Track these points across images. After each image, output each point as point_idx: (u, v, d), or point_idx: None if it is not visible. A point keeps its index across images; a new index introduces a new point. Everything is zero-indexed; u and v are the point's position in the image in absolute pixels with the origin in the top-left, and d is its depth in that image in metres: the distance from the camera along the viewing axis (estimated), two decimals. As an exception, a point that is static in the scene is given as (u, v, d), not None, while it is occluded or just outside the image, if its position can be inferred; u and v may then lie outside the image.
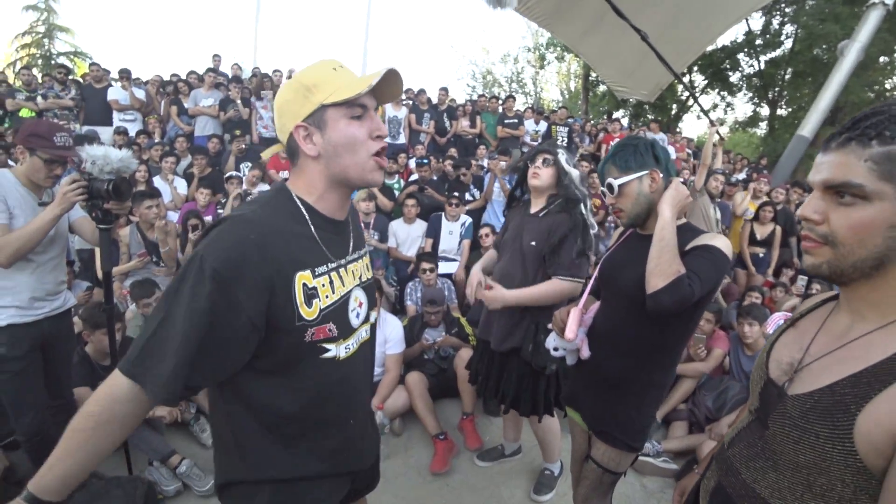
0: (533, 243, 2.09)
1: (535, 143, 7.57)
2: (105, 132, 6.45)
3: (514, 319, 2.15)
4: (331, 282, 1.02)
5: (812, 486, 0.74)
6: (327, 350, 1.01)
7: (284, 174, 5.93)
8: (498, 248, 2.38)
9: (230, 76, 7.94)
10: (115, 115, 6.81)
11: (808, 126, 7.76)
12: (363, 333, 1.13)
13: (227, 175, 5.22)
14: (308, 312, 0.96)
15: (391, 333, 3.13)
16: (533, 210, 2.18)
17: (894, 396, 0.65)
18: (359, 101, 0.97)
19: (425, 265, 3.97)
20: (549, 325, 1.69)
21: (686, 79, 15.87)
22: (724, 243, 1.38)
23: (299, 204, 1.01)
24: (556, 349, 1.66)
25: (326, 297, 1.00)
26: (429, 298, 3.37)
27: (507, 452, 2.83)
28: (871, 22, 7.09)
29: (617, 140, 1.58)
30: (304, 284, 0.96)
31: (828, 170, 0.74)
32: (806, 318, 0.92)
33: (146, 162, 5.42)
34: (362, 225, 4.34)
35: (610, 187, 1.50)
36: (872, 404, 0.67)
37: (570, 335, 1.53)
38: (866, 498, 0.68)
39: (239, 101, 6.75)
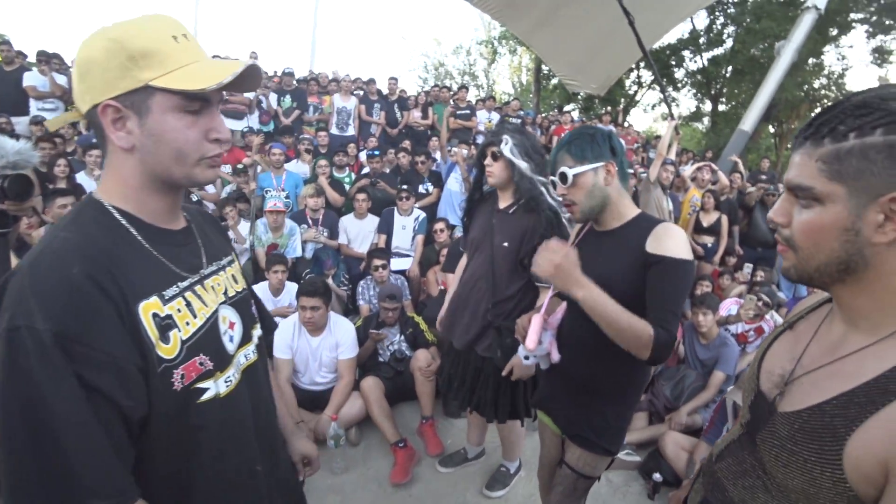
0: (506, 244, 1.98)
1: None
2: (21, 122, 5.83)
3: (479, 322, 2.05)
4: (188, 304, 0.80)
5: None
6: (205, 390, 0.80)
7: (226, 168, 5.56)
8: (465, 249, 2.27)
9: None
10: (33, 104, 6.18)
11: (748, 121, 8.09)
12: (242, 359, 0.91)
13: None
14: (166, 350, 0.74)
15: (343, 337, 2.94)
16: (502, 205, 2.05)
17: (885, 420, 0.60)
18: (200, 95, 0.75)
19: (377, 262, 3.81)
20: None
21: (633, 74, 16.37)
22: (683, 245, 1.30)
23: (117, 215, 0.77)
24: (526, 357, 1.60)
25: (187, 324, 0.79)
26: (387, 294, 3.21)
27: (471, 456, 2.73)
28: (804, 24, 7.45)
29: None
30: (155, 315, 0.74)
31: (791, 171, 0.69)
32: (802, 322, 0.84)
33: (69, 155, 4.92)
34: (267, 224, 4.02)
35: (563, 177, 1.38)
36: (863, 429, 0.61)
37: (530, 345, 1.47)
38: None
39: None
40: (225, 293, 0.91)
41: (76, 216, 0.77)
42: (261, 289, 3.70)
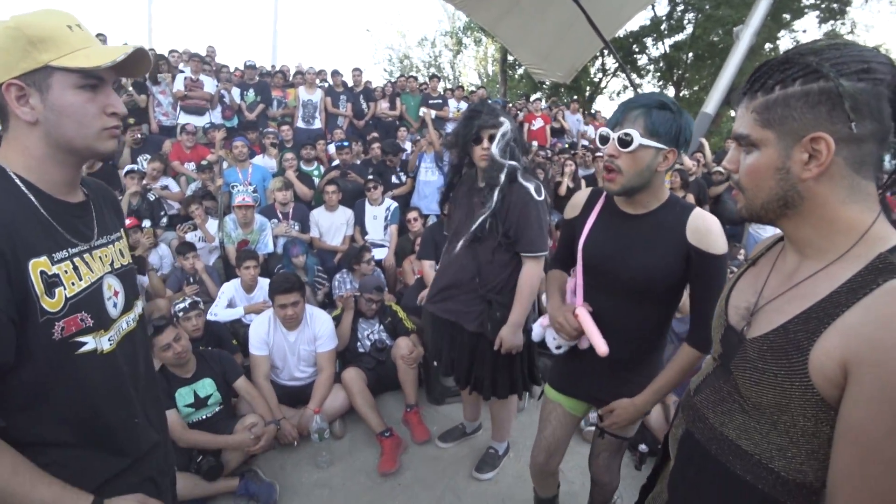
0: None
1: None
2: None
3: (475, 299, 2.03)
4: (75, 268, 0.91)
5: (777, 424, 0.77)
6: (83, 343, 0.90)
7: (190, 165, 5.37)
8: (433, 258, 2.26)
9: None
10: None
11: (711, 104, 8.24)
12: (124, 324, 1.03)
13: (127, 170, 4.58)
14: (51, 304, 0.85)
15: (321, 329, 2.87)
16: (482, 184, 2.00)
17: (840, 327, 0.68)
18: (95, 73, 0.87)
19: (367, 255, 3.83)
20: (542, 324, 1.59)
21: (598, 62, 16.57)
22: (721, 237, 1.28)
23: (18, 181, 0.87)
24: (558, 347, 1.55)
25: (73, 284, 0.89)
26: (375, 285, 3.16)
27: (469, 431, 2.75)
28: (761, 9, 7.65)
29: (630, 98, 1.31)
30: (43, 272, 0.84)
31: (735, 123, 0.80)
32: (763, 259, 0.93)
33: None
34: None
35: (625, 141, 1.23)
36: (822, 338, 0.69)
37: (603, 349, 1.36)
38: (827, 428, 0.71)
39: (130, 87, 5.99)
40: (111, 264, 1.01)
41: None
42: (233, 286, 3.58)
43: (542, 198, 1.93)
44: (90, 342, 0.91)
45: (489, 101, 8.08)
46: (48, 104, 0.85)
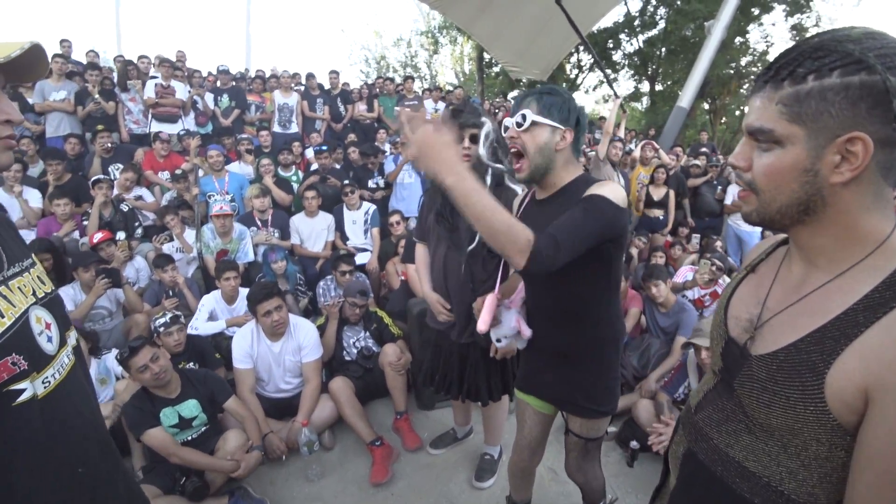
0: (468, 225, 1.91)
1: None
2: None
3: (467, 310, 1.99)
4: None
5: (787, 447, 0.72)
6: (21, 391, 0.77)
7: (164, 174, 5.23)
8: (421, 238, 2.19)
9: (85, 64, 6.82)
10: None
11: (685, 98, 8.42)
12: (65, 360, 0.89)
13: (94, 179, 4.43)
14: None
15: (305, 339, 2.81)
16: None
17: (860, 349, 0.63)
18: None
19: (344, 267, 3.69)
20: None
21: (573, 58, 16.71)
22: (610, 190, 1.27)
23: None
24: (498, 340, 1.58)
25: None
26: (358, 289, 3.10)
27: (460, 436, 2.73)
28: (731, 4, 7.80)
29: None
30: None
31: (750, 115, 0.70)
32: (763, 265, 0.87)
33: (-19, 171, 4.45)
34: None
35: (523, 118, 1.35)
36: (840, 360, 0.64)
37: (481, 327, 1.47)
38: (842, 453, 0.66)
39: (97, 94, 5.80)
40: (34, 294, 0.88)
41: None
42: (213, 298, 3.49)
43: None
44: (28, 388, 0.78)
45: (471, 101, 8.08)
46: None
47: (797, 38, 15.12)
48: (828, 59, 0.62)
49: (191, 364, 2.87)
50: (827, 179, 0.64)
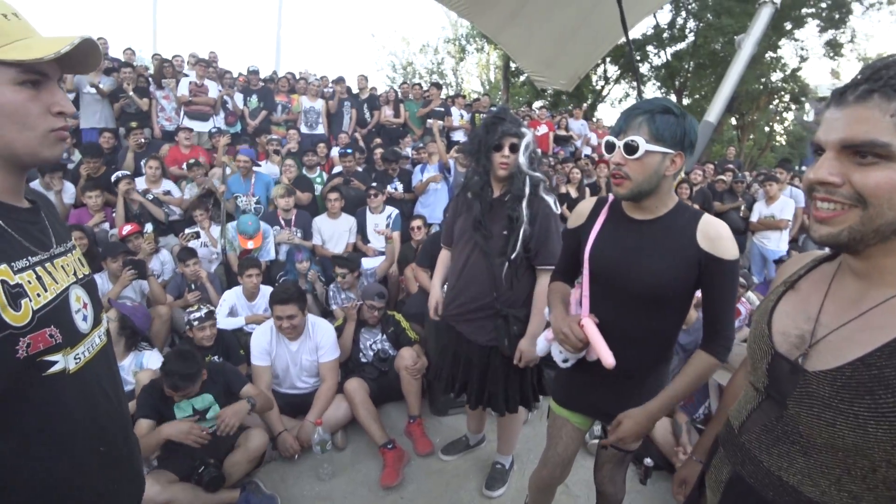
0: (505, 232, 1.92)
1: (465, 130, 7.45)
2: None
3: (488, 314, 2.00)
4: (38, 278, 0.81)
5: (851, 469, 0.69)
6: (53, 363, 0.80)
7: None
8: (447, 243, 2.21)
9: (122, 62, 7.04)
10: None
11: (713, 112, 8.22)
12: (97, 339, 0.93)
13: (115, 177, 4.48)
14: (16, 317, 0.74)
15: (322, 339, 2.84)
16: (495, 194, 1.98)
17: None
18: (37, 67, 0.76)
19: (338, 270, 3.72)
20: (547, 337, 1.56)
21: (600, 70, 16.63)
22: (732, 242, 1.28)
23: None
24: (565, 360, 1.51)
25: (38, 295, 0.79)
26: (376, 292, 3.11)
27: (472, 443, 2.72)
28: (762, 18, 7.67)
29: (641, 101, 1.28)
30: (4, 282, 0.74)
31: (845, 127, 0.66)
32: (803, 282, 0.85)
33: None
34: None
35: (631, 148, 1.22)
36: None
37: (609, 361, 1.29)
38: None
39: (131, 92, 5.96)
40: (75, 274, 0.92)
41: None
42: (235, 294, 3.56)
43: (559, 211, 1.96)
44: (60, 361, 0.81)
45: (492, 108, 8.10)
46: None
47: (831, 55, 14.78)
48: None
49: (216, 358, 2.93)
50: None
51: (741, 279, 3.74)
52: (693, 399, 2.83)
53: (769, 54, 14.30)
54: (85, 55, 0.81)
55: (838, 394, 0.69)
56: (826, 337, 0.74)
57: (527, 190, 1.87)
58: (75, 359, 0.85)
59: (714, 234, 1.27)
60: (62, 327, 0.82)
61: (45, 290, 0.81)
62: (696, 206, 4.82)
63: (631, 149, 1.22)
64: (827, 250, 0.83)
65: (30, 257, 0.82)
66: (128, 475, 1.01)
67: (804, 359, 0.75)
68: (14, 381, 0.75)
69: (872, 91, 0.64)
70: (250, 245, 4.15)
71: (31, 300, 0.77)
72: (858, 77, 0.67)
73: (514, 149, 1.87)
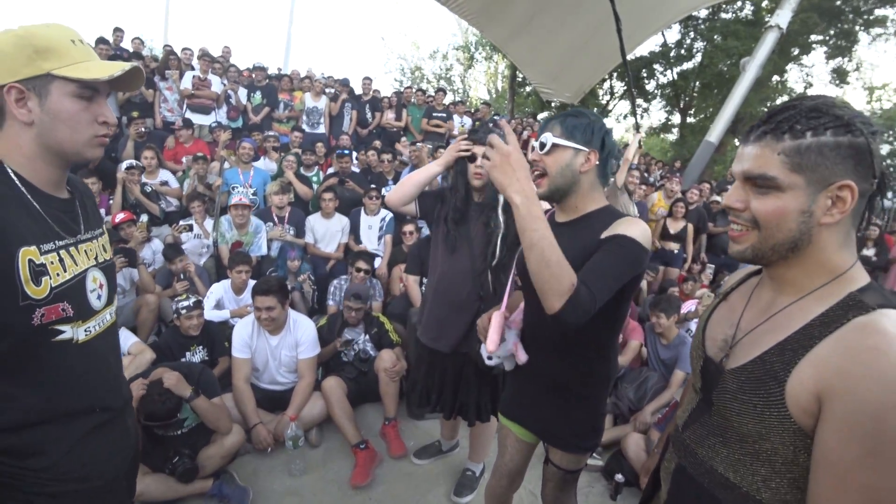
0: (484, 239, 1.95)
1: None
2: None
3: (468, 320, 2.01)
4: (60, 260, 0.97)
5: (758, 454, 0.79)
6: (61, 332, 0.96)
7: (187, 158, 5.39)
8: (412, 272, 2.23)
9: (130, 52, 7.11)
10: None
11: (715, 133, 8.35)
12: (107, 317, 1.10)
13: (126, 165, 4.51)
14: (36, 291, 0.91)
15: (303, 336, 2.86)
16: (476, 199, 2.01)
17: (813, 359, 0.72)
18: (92, 85, 0.96)
19: (361, 265, 3.73)
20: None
21: (606, 84, 16.71)
22: (639, 231, 1.24)
23: (12, 175, 0.94)
24: (489, 358, 1.53)
25: (58, 274, 0.95)
26: (353, 293, 3.13)
27: (445, 449, 2.73)
28: (767, 42, 7.75)
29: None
30: (31, 261, 0.90)
31: (747, 161, 0.79)
32: (735, 293, 0.98)
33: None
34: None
35: (542, 143, 1.34)
36: (797, 369, 0.73)
37: (490, 346, 1.43)
38: (805, 456, 0.74)
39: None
40: (96, 258, 1.08)
41: None
42: (222, 287, 3.58)
43: None
44: (67, 331, 0.97)
45: (496, 117, 8.13)
46: (45, 109, 0.93)
47: (837, 82, 14.85)
48: (822, 119, 0.73)
49: (200, 348, 2.96)
50: (818, 220, 0.75)
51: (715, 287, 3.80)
52: (667, 416, 2.84)
53: (775, 78, 14.37)
54: (131, 78, 1.00)
55: (742, 387, 0.80)
56: (741, 339, 0.86)
57: (500, 198, 1.89)
58: (85, 331, 1.01)
59: (622, 223, 1.26)
60: (74, 303, 0.98)
61: (65, 271, 0.97)
62: (691, 226, 4.86)
63: (542, 145, 1.34)
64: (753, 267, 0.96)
65: (57, 241, 0.97)
66: (124, 441, 1.16)
67: (726, 359, 0.87)
68: (27, 342, 0.91)
69: (766, 132, 0.77)
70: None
71: (50, 278, 0.93)
72: (761, 119, 0.79)
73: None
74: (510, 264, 1.94)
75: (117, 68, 0.96)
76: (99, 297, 1.06)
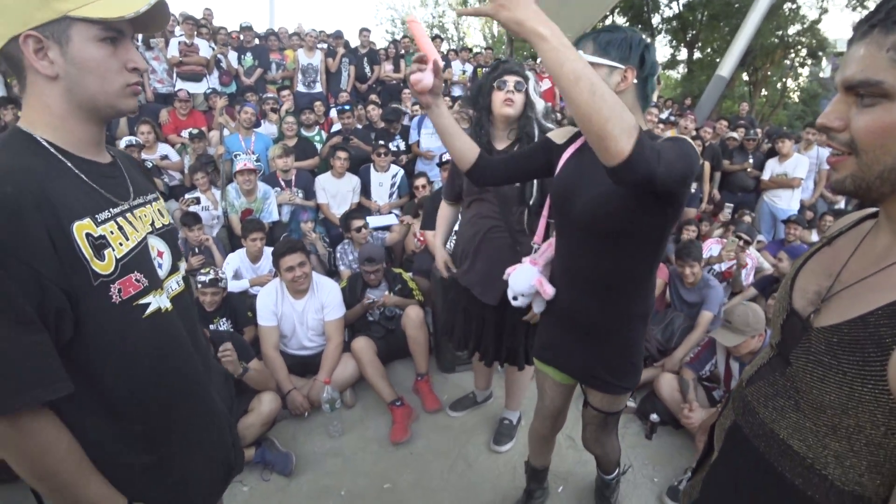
0: (517, 184, 1.85)
1: (463, 86, 7.24)
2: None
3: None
4: (120, 228, 0.87)
5: (837, 428, 0.67)
6: (147, 305, 0.88)
7: (187, 133, 5.23)
8: (449, 197, 2.16)
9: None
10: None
11: (726, 67, 8.04)
12: (174, 285, 1.00)
13: (125, 144, 4.38)
14: (102, 266, 0.81)
15: (328, 298, 2.82)
16: (499, 146, 1.90)
17: None
18: (116, 25, 0.81)
19: (355, 223, 3.64)
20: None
21: (608, 21, 15.98)
22: (689, 141, 1.13)
23: (47, 145, 0.82)
24: (514, 298, 1.49)
25: (120, 244, 0.86)
26: (366, 256, 3.07)
27: (480, 400, 2.75)
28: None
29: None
30: (89, 235, 0.80)
31: (848, 66, 0.61)
32: (842, 238, 0.79)
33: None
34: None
35: None
36: None
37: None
38: None
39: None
40: (152, 224, 0.98)
41: (5, 145, 0.80)
42: (238, 256, 3.53)
43: None
44: (153, 301, 0.89)
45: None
46: (69, 58, 0.80)
47: (854, 7, 14.08)
48: None
49: (224, 320, 2.93)
50: None
51: (744, 235, 3.72)
52: (699, 356, 2.82)
53: (787, 5, 13.65)
54: (155, 14, 0.85)
55: (832, 350, 0.66)
56: (839, 293, 0.70)
57: (535, 130, 1.79)
58: (168, 300, 0.94)
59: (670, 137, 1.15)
60: (145, 272, 0.89)
61: (127, 239, 0.88)
62: (707, 164, 4.72)
63: None
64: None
65: (111, 209, 0.87)
66: (214, 407, 1.08)
67: (815, 315, 0.72)
68: (115, 324, 0.83)
69: (874, 25, 0.59)
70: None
71: (113, 249, 0.84)
72: (869, 13, 0.61)
73: (519, 87, 1.79)
74: (541, 211, 1.87)
75: (143, 3, 0.80)
76: (160, 265, 0.96)
